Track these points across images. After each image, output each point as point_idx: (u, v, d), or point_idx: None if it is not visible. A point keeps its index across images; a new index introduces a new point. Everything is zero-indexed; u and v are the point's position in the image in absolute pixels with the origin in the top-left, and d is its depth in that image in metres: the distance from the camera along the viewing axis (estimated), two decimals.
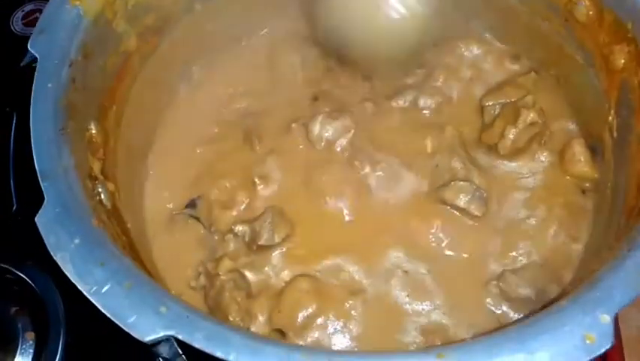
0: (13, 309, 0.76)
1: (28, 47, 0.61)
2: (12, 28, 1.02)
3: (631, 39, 0.65)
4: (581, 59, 0.74)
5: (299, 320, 0.64)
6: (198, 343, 0.44)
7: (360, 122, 0.78)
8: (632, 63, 0.66)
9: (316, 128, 0.77)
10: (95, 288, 0.47)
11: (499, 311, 0.66)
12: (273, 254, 0.68)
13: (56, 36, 0.62)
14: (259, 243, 0.67)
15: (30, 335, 0.75)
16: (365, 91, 0.82)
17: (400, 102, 0.81)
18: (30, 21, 1.03)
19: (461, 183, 0.70)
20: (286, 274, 0.67)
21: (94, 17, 0.65)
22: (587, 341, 0.44)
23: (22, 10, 1.04)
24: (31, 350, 0.74)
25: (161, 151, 0.78)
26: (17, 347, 0.74)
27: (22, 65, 0.96)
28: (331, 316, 0.65)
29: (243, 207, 0.72)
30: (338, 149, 0.76)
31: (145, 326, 0.45)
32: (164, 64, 0.78)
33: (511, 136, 0.74)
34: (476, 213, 0.70)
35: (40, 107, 0.57)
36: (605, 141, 0.71)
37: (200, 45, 0.83)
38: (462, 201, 0.69)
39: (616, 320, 0.75)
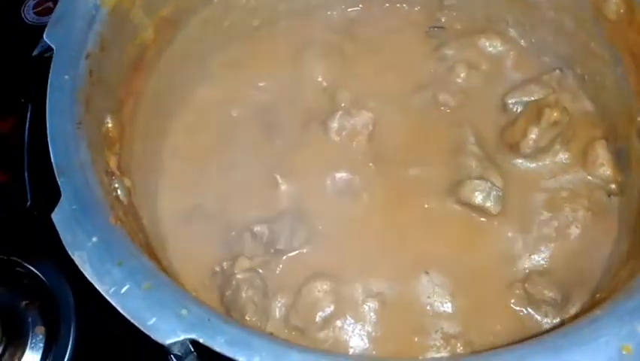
0: (24, 303, 0.75)
1: (44, 37, 0.59)
2: (24, 17, 1.01)
3: None
4: (608, 58, 0.72)
5: (317, 320, 0.63)
6: (220, 347, 0.43)
7: (379, 119, 0.76)
8: None
9: (335, 124, 0.75)
10: (113, 289, 0.45)
11: (523, 313, 0.65)
12: (291, 255, 0.67)
13: (73, 27, 0.61)
14: (277, 247, 0.66)
15: (40, 330, 0.74)
16: (386, 83, 0.80)
17: (420, 98, 0.79)
18: (41, 10, 1.02)
19: (477, 181, 0.69)
20: (304, 275, 0.66)
21: (111, 8, 0.63)
22: (624, 352, 0.42)
23: (34, 0, 1.02)
24: (42, 345, 0.73)
25: (177, 146, 0.77)
26: (27, 341, 0.73)
27: (34, 54, 0.95)
28: (349, 317, 0.64)
29: (262, 204, 0.71)
30: (355, 145, 0.75)
31: (165, 328, 0.44)
32: (180, 57, 0.76)
33: (533, 135, 0.72)
34: (492, 211, 0.68)
35: (57, 100, 0.56)
36: (632, 143, 0.70)
37: (217, 38, 0.82)
38: (477, 199, 0.68)
39: None
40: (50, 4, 1.03)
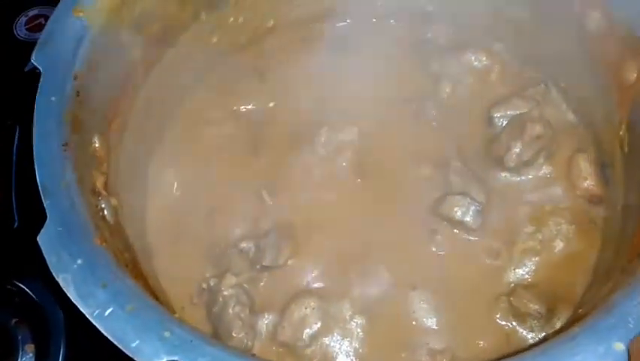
0: (14, 321, 0.76)
1: (32, 59, 0.60)
2: (15, 33, 1.01)
3: None
4: (591, 72, 0.73)
5: (304, 337, 0.64)
6: None
7: (365, 133, 0.77)
8: None
9: (321, 139, 0.76)
10: (97, 311, 0.46)
11: (508, 328, 0.65)
12: (277, 271, 0.67)
13: (60, 48, 0.61)
14: (263, 264, 0.67)
15: (30, 347, 0.74)
16: (373, 97, 0.81)
17: (406, 112, 0.80)
18: (33, 26, 1.02)
19: (457, 196, 0.70)
20: (290, 291, 0.66)
21: (99, 28, 0.64)
22: None
23: (26, 16, 1.03)
24: None
25: (164, 164, 0.77)
26: (17, 359, 0.73)
27: (26, 70, 0.95)
28: (337, 334, 0.64)
29: (249, 221, 0.71)
30: (341, 159, 0.76)
31: (148, 350, 0.44)
32: (168, 75, 0.77)
33: (517, 149, 0.73)
34: (472, 226, 0.69)
35: (44, 122, 0.56)
36: (615, 156, 0.70)
37: (205, 55, 0.82)
38: (457, 214, 0.69)
39: None
40: (42, 20, 1.03)
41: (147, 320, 0.46)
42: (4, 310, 0.76)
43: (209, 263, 0.69)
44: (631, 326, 0.45)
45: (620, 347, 0.44)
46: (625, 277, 0.51)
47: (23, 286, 0.76)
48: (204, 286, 0.67)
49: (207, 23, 0.79)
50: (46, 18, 1.02)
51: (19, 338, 0.75)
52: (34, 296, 0.76)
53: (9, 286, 0.77)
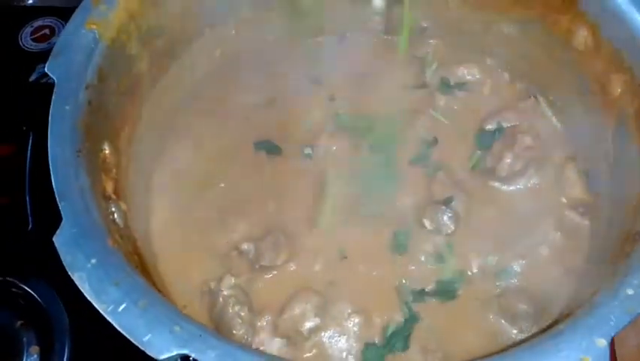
0: (18, 323, 0.77)
1: (46, 69, 0.63)
2: (21, 43, 1.03)
3: (627, 69, 0.68)
4: (579, 86, 0.77)
5: (303, 330, 0.66)
6: None
7: (359, 144, 0.81)
8: (629, 92, 0.68)
9: (320, 149, 0.79)
10: (111, 307, 0.48)
11: (499, 328, 0.68)
12: (276, 272, 0.70)
13: (73, 59, 0.64)
14: (262, 263, 0.70)
15: (35, 349, 0.76)
16: (368, 109, 0.84)
17: (400, 124, 0.83)
18: (39, 37, 1.04)
19: (432, 206, 0.73)
20: (288, 291, 0.69)
21: (109, 41, 0.67)
22: None
23: (31, 26, 1.06)
24: None
25: (170, 169, 0.80)
26: None
27: (31, 80, 0.97)
28: (334, 331, 0.67)
29: (250, 224, 0.74)
30: (337, 167, 0.79)
31: (160, 344, 0.47)
32: (174, 85, 0.80)
33: (508, 160, 0.77)
34: (446, 231, 0.72)
35: (58, 129, 0.59)
36: (601, 167, 0.74)
37: (209, 67, 0.85)
38: (428, 223, 0.73)
39: (612, 340, 0.78)
40: (47, 31, 1.05)
41: (158, 315, 0.48)
42: (10, 313, 0.77)
43: (212, 265, 0.71)
44: (612, 323, 0.48)
45: (602, 343, 0.47)
46: (607, 279, 0.54)
47: (28, 289, 0.78)
48: (206, 287, 0.69)
49: (211, 37, 0.82)
50: (51, 29, 1.05)
51: (24, 340, 0.76)
52: (39, 299, 0.77)
53: (14, 289, 0.78)
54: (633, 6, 0.68)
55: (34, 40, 1.04)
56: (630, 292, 0.50)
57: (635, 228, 0.60)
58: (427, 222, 0.73)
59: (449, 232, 0.72)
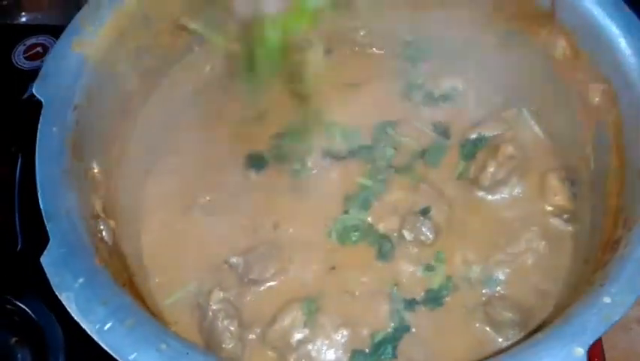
0: (13, 340, 0.78)
1: (33, 91, 0.64)
2: (14, 62, 1.04)
3: (604, 79, 0.69)
4: (559, 96, 0.78)
5: (292, 342, 0.67)
6: None
7: (348, 157, 0.82)
8: (607, 102, 0.69)
9: (309, 164, 0.81)
10: (98, 326, 0.49)
11: (485, 337, 0.69)
12: (265, 286, 0.71)
13: (60, 80, 0.65)
14: (251, 277, 0.70)
15: None
16: (355, 121, 0.85)
17: (386, 135, 0.84)
18: (32, 55, 1.05)
19: (411, 217, 0.74)
20: (277, 304, 0.70)
21: (97, 61, 0.68)
22: None
23: (24, 44, 1.06)
24: None
25: (160, 184, 0.81)
26: None
27: (24, 98, 0.98)
28: (322, 343, 0.68)
29: (240, 239, 0.75)
30: (327, 181, 0.80)
31: None
32: (164, 101, 0.81)
33: (491, 169, 0.78)
34: (426, 241, 0.73)
35: (46, 150, 0.60)
36: (583, 175, 0.75)
37: (199, 83, 0.86)
38: (407, 234, 0.74)
39: (600, 342, 0.79)
40: (40, 49, 1.06)
41: (145, 333, 0.49)
42: (4, 330, 0.78)
43: (202, 280, 0.72)
44: (589, 332, 0.50)
45: (579, 352, 0.48)
46: (588, 287, 0.55)
47: (23, 306, 0.78)
48: (195, 302, 0.70)
49: (200, 54, 0.84)
50: (44, 47, 1.06)
51: (19, 356, 0.77)
52: (33, 316, 0.78)
53: (9, 306, 0.79)
54: (608, 18, 0.69)
55: (27, 58, 1.05)
56: (607, 300, 0.51)
57: (613, 236, 0.61)
58: (406, 233, 0.74)
59: (428, 242, 0.73)
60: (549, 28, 0.75)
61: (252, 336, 0.68)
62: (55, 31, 0.69)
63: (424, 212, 0.75)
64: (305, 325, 0.68)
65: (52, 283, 0.52)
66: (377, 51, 0.94)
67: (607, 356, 0.81)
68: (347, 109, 0.85)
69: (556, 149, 0.81)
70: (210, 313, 0.67)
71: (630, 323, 0.88)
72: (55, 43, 0.69)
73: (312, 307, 0.69)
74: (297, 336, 0.67)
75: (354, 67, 0.92)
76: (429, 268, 0.73)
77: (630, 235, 0.57)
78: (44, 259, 0.53)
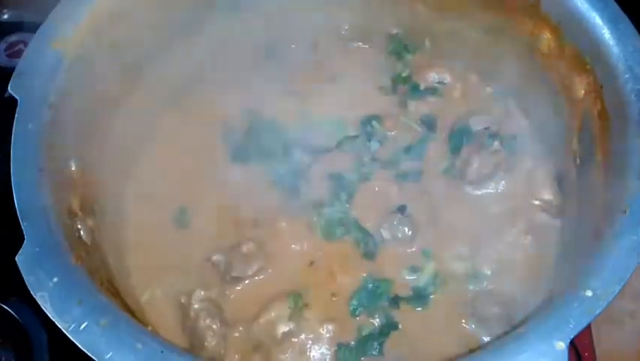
0: None
1: (9, 89, 0.63)
2: None
3: (590, 71, 0.69)
4: (545, 89, 0.78)
5: (277, 335, 0.67)
6: None
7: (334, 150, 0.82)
8: (592, 94, 0.69)
9: (296, 157, 0.80)
10: (73, 326, 0.49)
11: (472, 333, 0.69)
12: (247, 282, 0.70)
13: (36, 78, 0.64)
14: (232, 274, 0.70)
15: None
16: (342, 113, 0.85)
17: (371, 128, 0.84)
18: (14, 52, 1.04)
19: (390, 214, 0.74)
20: (259, 301, 0.69)
21: (74, 58, 0.67)
22: None
23: (6, 42, 1.05)
24: None
25: (141, 183, 0.80)
26: None
27: (5, 96, 0.97)
28: (307, 337, 0.68)
29: (222, 237, 0.74)
30: (312, 176, 0.80)
31: None
32: (145, 99, 0.79)
33: (476, 164, 0.77)
34: (404, 237, 0.73)
35: (21, 148, 0.59)
36: (569, 169, 0.75)
37: (180, 80, 0.85)
38: (385, 233, 0.74)
39: (591, 337, 0.78)
40: (22, 46, 1.04)
41: (120, 333, 0.49)
42: None
43: (183, 278, 0.72)
44: (571, 326, 0.49)
45: (560, 345, 0.48)
46: (570, 280, 0.55)
47: (6, 307, 0.77)
48: (177, 301, 0.69)
49: (181, 51, 0.83)
50: (26, 44, 1.03)
51: (3, 358, 0.75)
52: (17, 317, 0.77)
53: None
54: (593, 9, 0.68)
55: (8, 55, 1.03)
56: (589, 293, 0.51)
57: (599, 228, 0.60)
58: (384, 232, 0.73)
59: (407, 239, 0.73)
60: (534, 21, 0.75)
61: (236, 334, 0.67)
62: (38, 29, 0.68)
63: (401, 210, 0.75)
64: (290, 318, 0.67)
65: (27, 282, 0.51)
66: (362, 45, 0.93)
67: (600, 349, 0.81)
68: (332, 102, 0.84)
69: (543, 143, 0.81)
70: (192, 313, 0.67)
71: (623, 317, 0.88)
72: None
73: (299, 301, 0.69)
74: (283, 329, 0.67)
75: (340, 61, 0.91)
76: (414, 264, 0.73)
77: (613, 228, 0.56)
78: (19, 258, 0.52)
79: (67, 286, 0.51)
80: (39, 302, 0.50)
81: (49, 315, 0.50)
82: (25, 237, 0.53)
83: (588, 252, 0.58)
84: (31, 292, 0.51)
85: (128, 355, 0.47)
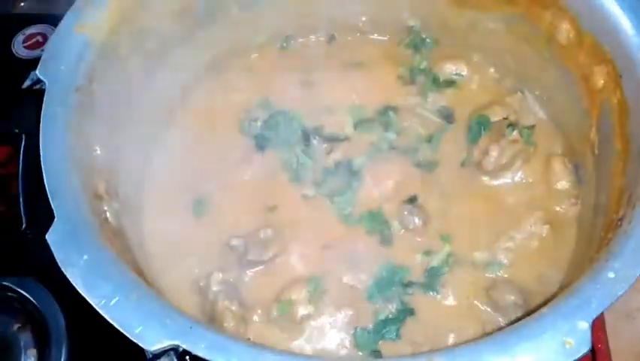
0: (16, 326, 0.78)
1: (37, 72, 0.64)
2: (13, 51, 1.04)
3: (609, 60, 0.69)
4: (563, 80, 0.78)
5: (297, 317, 0.68)
6: (201, 352, 0.47)
7: (351, 139, 0.83)
8: (611, 83, 0.69)
9: (313, 145, 0.81)
10: (103, 301, 0.49)
11: (489, 319, 0.69)
12: (263, 267, 0.71)
13: (63, 62, 0.65)
14: (250, 258, 0.71)
15: (32, 352, 0.77)
16: (358, 105, 0.86)
17: (388, 119, 0.84)
18: (31, 44, 1.05)
19: (402, 204, 0.75)
20: (278, 284, 0.70)
21: (100, 43, 0.68)
22: (567, 346, 0.47)
23: (23, 34, 1.06)
24: None
25: (162, 169, 0.81)
26: None
27: (24, 87, 0.98)
28: (327, 319, 0.69)
29: (241, 222, 0.75)
30: (329, 162, 0.81)
31: (151, 336, 0.48)
32: (165, 86, 0.81)
33: (494, 153, 0.78)
34: (411, 227, 0.74)
35: (50, 130, 0.60)
36: (586, 158, 0.75)
37: (200, 69, 0.86)
38: (394, 225, 0.75)
39: (605, 331, 0.79)
40: (39, 37, 1.06)
41: (150, 308, 0.49)
42: (6, 316, 0.78)
43: (203, 263, 0.73)
44: (594, 306, 0.50)
45: (583, 325, 0.48)
46: (591, 264, 0.55)
47: (24, 292, 0.78)
48: (196, 285, 0.70)
49: (202, 39, 0.84)
50: (44, 36, 1.06)
51: (22, 343, 0.77)
52: (35, 302, 0.78)
53: (10, 293, 0.79)
54: None
55: (26, 47, 1.05)
56: (611, 275, 0.51)
57: (617, 215, 0.61)
58: (395, 221, 0.74)
59: (418, 229, 0.74)
60: (553, 11, 0.75)
61: (255, 318, 0.68)
62: (55, 20, 0.69)
63: (412, 200, 0.76)
64: (310, 301, 0.68)
65: (57, 259, 0.52)
66: (379, 37, 0.94)
67: (611, 344, 0.81)
68: (349, 92, 0.85)
69: (561, 134, 0.81)
70: (211, 296, 0.68)
71: (634, 311, 0.88)
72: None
73: (319, 286, 0.69)
74: (302, 312, 0.68)
75: (357, 53, 0.92)
76: (430, 252, 0.73)
77: (634, 213, 0.57)
78: (50, 236, 0.53)
79: (97, 263, 0.52)
80: (69, 278, 0.51)
81: (79, 290, 0.50)
82: (56, 215, 0.54)
83: (607, 237, 0.59)
84: (62, 269, 0.51)
85: (158, 329, 0.48)
